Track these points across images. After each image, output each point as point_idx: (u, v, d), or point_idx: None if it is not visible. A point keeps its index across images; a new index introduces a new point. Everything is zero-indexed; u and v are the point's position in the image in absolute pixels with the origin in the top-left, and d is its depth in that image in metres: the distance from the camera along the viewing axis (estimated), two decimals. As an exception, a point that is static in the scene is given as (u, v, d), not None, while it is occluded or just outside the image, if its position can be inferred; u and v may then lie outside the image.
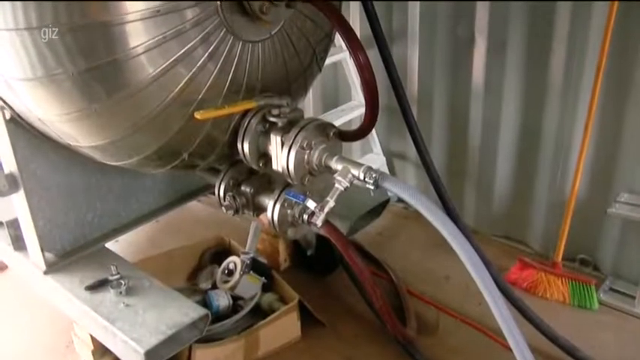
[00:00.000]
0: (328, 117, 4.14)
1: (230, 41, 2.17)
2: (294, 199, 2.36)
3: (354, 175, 2.15)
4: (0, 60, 2.17)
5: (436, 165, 3.25)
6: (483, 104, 3.85)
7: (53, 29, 1.96)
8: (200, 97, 2.18)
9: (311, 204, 2.29)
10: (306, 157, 2.24)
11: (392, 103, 3.20)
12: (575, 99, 3.43)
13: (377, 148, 4.50)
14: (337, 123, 3.98)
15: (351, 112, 4.24)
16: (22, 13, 1.98)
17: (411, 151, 4.20)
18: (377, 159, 4.46)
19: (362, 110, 4.26)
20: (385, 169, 4.52)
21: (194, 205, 4.34)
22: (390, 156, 4.56)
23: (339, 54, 4.10)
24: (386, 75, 3.08)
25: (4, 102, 2.50)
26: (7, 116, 2.56)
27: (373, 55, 2.63)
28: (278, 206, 2.43)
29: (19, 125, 2.58)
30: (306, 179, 2.29)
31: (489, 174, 4.01)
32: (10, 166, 2.72)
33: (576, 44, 3.33)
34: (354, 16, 4.13)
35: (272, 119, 2.31)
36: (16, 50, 2.07)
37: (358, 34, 3.77)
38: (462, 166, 4.14)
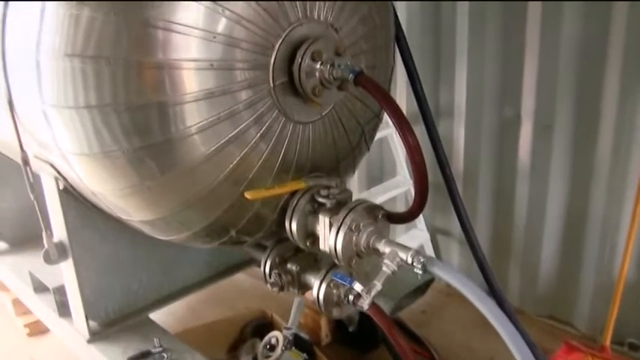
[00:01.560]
0: (373, 192, 4.15)
1: (282, 122, 2.21)
2: (341, 282, 2.35)
3: (401, 259, 2.14)
4: (58, 134, 2.23)
5: (480, 242, 3.22)
6: (529, 184, 3.83)
7: (111, 108, 2.02)
8: (251, 176, 2.21)
9: (358, 287, 2.27)
10: (354, 239, 2.24)
11: (437, 180, 3.20)
12: (622, 180, 3.40)
13: (421, 224, 4.48)
14: (382, 199, 3.99)
15: (396, 189, 4.25)
16: (83, 92, 2.04)
17: (456, 228, 4.18)
18: (421, 235, 4.44)
19: (407, 186, 4.27)
20: (429, 246, 4.49)
21: (237, 275, 4.33)
22: (434, 232, 4.54)
23: (385, 130, 4.13)
24: (432, 152, 3.08)
25: (59, 173, 2.56)
26: (61, 186, 2.62)
27: (419, 131, 2.64)
28: (324, 286, 2.42)
29: (71, 196, 2.64)
30: (353, 261, 2.28)
31: (535, 253, 3.96)
32: (61, 234, 2.77)
33: (624, 127, 3.31)
34: (401, 92, 4.18)
35: (321, 200, 2.32)
36: (75, 126, 2.13)
37: (404, 111, 3.83)
38: (507, 245, 4.10)
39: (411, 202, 4.17)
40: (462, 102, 4.01)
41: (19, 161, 2.66)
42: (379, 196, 4.06)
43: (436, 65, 4.11)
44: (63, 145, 2.27)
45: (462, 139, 4.07)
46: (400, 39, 2.85)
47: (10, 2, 2.38)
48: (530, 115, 3.70)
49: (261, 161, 2.21)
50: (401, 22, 2.87)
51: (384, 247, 2.22)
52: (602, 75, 3.35)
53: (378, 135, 4.03)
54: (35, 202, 2.74)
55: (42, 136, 2.39)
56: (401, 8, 3.97)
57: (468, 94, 3.97)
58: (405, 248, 2.16)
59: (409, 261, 2.12)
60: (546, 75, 3.56)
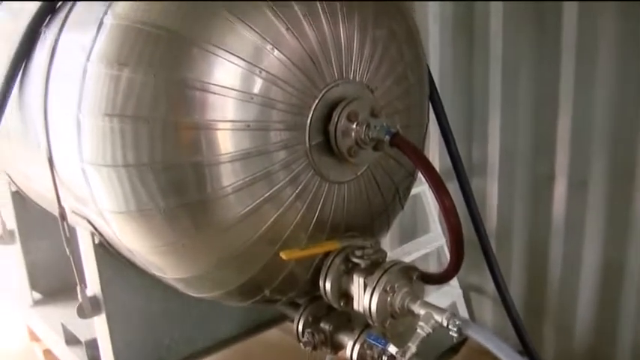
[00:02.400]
0: (406, 249, 4.13)
1: (317, 182, 2.22)
2: (375, 343, 2.32)
3: (436, 321, 2.12)
4: (96, 191, 2.26)
5: (514, 300, 3.18)
6: (564, 241, 3.79)
7: (148, 168, 2.05)
8: (286, 235, 2.21)
9: (392, 349, 2.24)
10: (388, 300, 2.22)
11: (470, 236, 3.16)
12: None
13: (454, 280, 4.43)
14: (415, 256, 3.96)
15: (428, 245, 4.22)
16: (121, 151, 2.07)
17: (489, 285, 4.12)
18: (453, 292, 4.39)
19: (440, 243, 4.24)
20: (462, 303, 4.43)
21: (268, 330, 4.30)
22: (467, 289, 4.48)
23: (418, 186, 4.12)
24: (465, 208, 3.07)
25: (95, 228, 2.59)
26: (97, 241, 2.64)
27: (452, 187, 2.63)
28: (357, 347, 2.39)
29: (106, 251, 2.66)
30: (388, 322, 2.26)
31: (570, 311, 3.90)
32: (95, 288, 2.79)
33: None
34: (434, 148, 4.18)
35: (355, 260, 2.31)
36: (112, 184, 2.16)
37: (437, 166, 3.84)
38: (542, 302, 4.04)
39: (443, 259, 4.17)
40: (495, 158, 3.99)
41: (57, 214, 2.70)
42: (412, 253, 4.03)
43: (469, 121, 4.11)
44: (100, 202, 2.29)
45: (496, 195, 4.05)
46: (434, 97, 2.87)
47: (55, 61, 2.45)
48: (564, 171, 3.68)
49: (296, 221, 2.21)
50: (434, 80, 2.88)
51: (418, 309, 2.20)
52: (636, 130, 3.32)
53: (412, 192, 4.05)
54: (71, 256, 2.76)
55: (79, 192, 2.42)
56: (434, 66, 4.00)
57: (501, 150, 3.96)
58: (440, 310, 2.14)
59: (444, 323, 2.10)
60: (580, 131, 3.55)
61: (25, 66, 2.65)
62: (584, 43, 3.41)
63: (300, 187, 2.17)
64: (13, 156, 3.19)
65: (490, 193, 4.08)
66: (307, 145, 2.15)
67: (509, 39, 3.73)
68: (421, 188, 4.16)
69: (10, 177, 3.65)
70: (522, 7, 3.63)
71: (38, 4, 2.61)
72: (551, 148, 3.71)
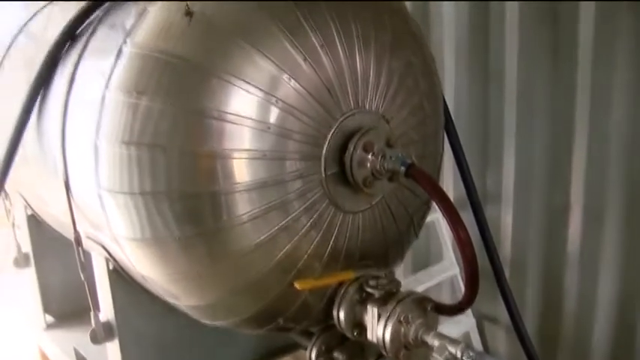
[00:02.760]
0: (419, 277, 4.11)
1: (332, 212, 2.22)
2: (389, 374, 2.31)
3: (451, 353, 2.10)
4: (112, 218, 2.27)
5: (528, 329, 3.16)
6: (579, 271, 3.77)
7: (164, 196, 2.06)
8: (300, 264, 2.21)
9: (406, 380, 2.23)
10: (402, 330, 2.21)
11: (484, 265, 3.15)
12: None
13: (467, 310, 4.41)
14: (428, 284, 3.95)
15: (442, 274, 4.20)
16: (138, 179, 2.08)
17: (503, 314, 4.08)
18: (467, 321, 4.36)
19: (454, 271, 4.22)
20: (475, 332, 4.40)
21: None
22: (480, 319, 4.46)
23: (432, 215, 4.11)
24: (479, 237, 3.06)
25: (110, 254, 2.60)
26: (111, 267, 2.65)
27: (466, 216, 2.63)
28: (370, 377, 2.39)
29: (120, 277, 2.67)
30: (401, 353, 2.25)
31: (585, 341, 3.87)
32: (108, 314, 2.79)
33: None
34: (448, 176, 4.17)
35: (369, 290, 2.30)
36: (128, 211, 2.17)
37: (451, 195, 3.83)
38: (556, 332, 4.01)
39: (457, 288, 4.15)
40: (509, 187, 3.99)
41: (72, 239, 2.71)
42: (425, 281, 4.01)
43: (484, 150, 4.11)
44: (115, 229, 2.30)
45: (510, 224, 4.04)
46: (449, 127, 2.87)
47: (74, 88, 2.48)
48: (579, 201, 3.67)
49: (310, 250, 2.21)
50: (449, 108, 2.88)
51: (432, 340, 2.18)
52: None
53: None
54: (85, 281, 2.77)
55: (95, 218, 2.43)
56: (449, 95, 4.00)
57: (516, 179, 3.95)
58: (454, 342, 2.12)
59: (458, 355, 2.08)
60: (595, 161, 3.54)
61: (44, 92, 2.67)
62: (600, 74, 3.42)
63: (315, 217, 2.17)
64: (29, 180, 3.21)
65: (504, 222, 4.07)
66: (323, 174, 2.15)
67: (524, 69, 3.74)
68: (435, 216, 4.15)
69: (26, 200, 3.67)
70: (538, 38, 3.63)
71: (58, 31, 2.63)
72: (567, 178, 3.70)
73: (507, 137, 3.93)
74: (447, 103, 2.83)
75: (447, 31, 3.99)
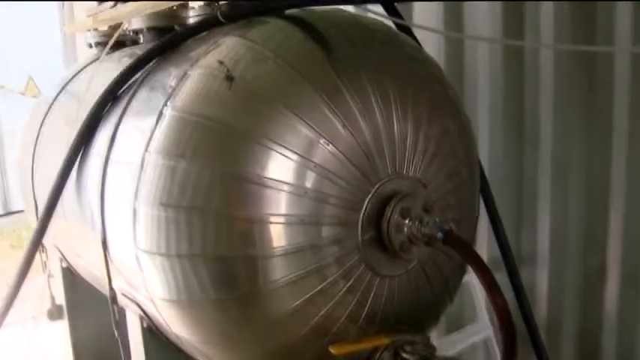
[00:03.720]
0: (453, 338, 4.04)
1: (369, 276, 2.21)
2: None
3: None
4: (148, 278, 2.29)
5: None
6: (617, 335, 3.68)
7: (201, 259, 2.07)
8: (336, 328, 2.19)
9: None
10: (438, 396, 2.18)
11: (519, 328, 3.10)
12: None
13: (502, 372, 4.32)
14: (462, 346, 3.88)
15: (476, 335, 4.13)
16: (175, 241, 2.10)
17: (539, 377, 4.02)
18: (502, 384, 4.27)
19: (488, 333, 4.15)
20: (510, 395, 4.30)
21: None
22: (515, 381, 4.36)
23: (466, 275, 4.06)
24: (514, 299, 3.02)
25: (144, 312, 2.60)
26: (145, 325, 2.65)
27: (501, 277, 2.60)
28: None
29: (154, 336, 2.67)
30: (436, 419, 2.22)
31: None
32: (141, 373, 2.78)
33: None
34: (482, 235, 4.13)
35: (405, 355, 2.27)
36: (165, 273, 2.18)
37: (485, 255, 3.80)
38: (594, 397, 3.91)
39: (491, 349, 4.07)
40: (544, 247, 3.93)
41: (106, 294, 2.73)
42: (459, 343, 3.94)
43: (518, 211, 4.07)
44: (151, 289, 2.31)
45: (546, 286, 3.97)
46: (485, 190, 2.86)
47: (114, 148, 2.52)
48: (616, 261, 3.60)
49: (346, 314, 2.19)
50: (483, 168, 2.88)
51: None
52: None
53: (460, 281, 4.00)
54: (119, 339, 2.77)
55: (131, 277, 2.45)
56: (483, 156, 3.99)
57: (551, 239, 3.90)
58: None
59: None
60: (633, 221, 3.49)
61: (85, 150, 2.72)
62: (637, 134, 3.39)
63: (351, 282, 2.16)
64: (66, 233, 3.25)
65: (540, 283, 4.01)
66: (359, 239, 2.15)
67: (559, 130, 3.72)
68: (468, 277, 4.10)
69: (61, 253, 3.71)
70: (573, 99, 3.63)
71: (101, 90, 2.69)
72: (603, 238, 3.64)
73: (542, 197, 3.89)
74: (482, 163, 2.83)
75: (481, 92, 3.99)
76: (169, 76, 2.40)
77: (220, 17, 2.47)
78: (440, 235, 2.15)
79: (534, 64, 3.71)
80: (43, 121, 3.51)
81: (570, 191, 3.78)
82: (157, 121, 2.24)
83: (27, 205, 3.93)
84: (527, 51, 3.75)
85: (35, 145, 3.54)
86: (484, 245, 4.08)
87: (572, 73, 3.57)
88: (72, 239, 3.27)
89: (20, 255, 2.76)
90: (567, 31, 3.46)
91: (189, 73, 2.27)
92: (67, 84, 3.51)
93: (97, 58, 3.52)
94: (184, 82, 2.26)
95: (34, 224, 3.31)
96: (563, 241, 3.85)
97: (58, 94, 3.52)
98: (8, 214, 9.55)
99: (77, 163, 2.74)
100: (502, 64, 3.83)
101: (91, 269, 3.11)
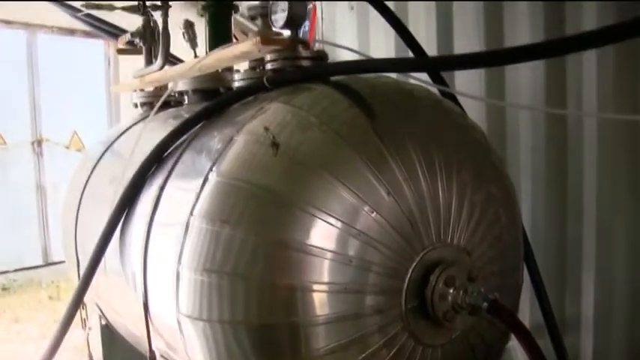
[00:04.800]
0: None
1: (412, 345, 2.18)
2: None
3: None
4: (189, 343, 2.28)
5: None
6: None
7: (243, 326, 2.06)
8: (379, 399, 2.16)
9: None
10: None
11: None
12: None
13: None
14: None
15: (516, 403, 4.04)
16: (217, 307, 2.10)
17: None
18: None
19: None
20: None
21: None
22: None
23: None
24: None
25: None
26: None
27: (543, 344, 2.54)
28: None
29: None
30: None
31: None
32: None
33: None
34: (524, 300, 4.06)
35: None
36: (206, 338, 2.17)
37: (527, 321, 3.73)
38: None
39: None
40: (589, 314, 3.84)
41: (144, 353, 2.72)
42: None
43: (561, 276, 4.00)
44: (192, 353, 2.30)
45: (590, 354, 3.87)
46: (529, 257, 2.82)
47: (158, 211, 2.54)
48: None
49: (389, 384, 2.16)
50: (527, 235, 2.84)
51: None
52: None
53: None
54: (157, 400, 2.76)
55: (172, 340, 2.45)
56: (526, 221, 3.95)
57: (596, 305, 3.81)
58: None
59: None
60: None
61: (129, 210, 2.74)
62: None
63: (394, 351, 2.13)
64: (107, 291, 3.26)
65: (584, 350, 3.90)
66: (403, 308, 2.12)
67: (603, 195, 3.67)
68: (511, 344, 4.02)
69: (101, 310, 3.72)
70: (617, 165, 3.59)
71: (147, 151, 2.72)
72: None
73: (586, 262, 3.82)
74: (524, 228, 2.79)
75: (524, 157, 3.97)
76: (215, 140, 2.43)
77: (267, 83, 2.51)
78: (484, 304, 2.12)
79: (578, 130, 3.69)
80: (88, 179, 3.57)
81: (615, 256, 3.71)
82: (202, 186, 2.26)
83: (68, 260, 3.97)
84: (570, 116, 3.73)
85: (80, 201, 3.59)
86: (527, 311, 4.01)
87: (616, 137, 3.54)
88: (112, 297, 3.29)
89: (58, 307, 2.78)
90: (610, 99, 3.44)
91: (235, 138, 2.30)
92: (112, 143, 3.57)
93: (143, 118, 3.60)
94: (230, 148, 2.28)
95: (74, 279, 3.35)
96: (608, 307, 3.76)
97: (104, 153, 3.58)
98: (48, 264, 9.62)
99: (121, 222, 2.76)
100: (544, 129, 3.82)
101: (131, 328, 3.11)
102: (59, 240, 4.19)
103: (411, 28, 3.40)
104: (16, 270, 9.23)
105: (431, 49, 4.26)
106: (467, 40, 4.15)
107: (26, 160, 9.55)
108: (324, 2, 5.43)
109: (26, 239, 9.50)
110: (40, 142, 9.61)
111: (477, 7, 4.01)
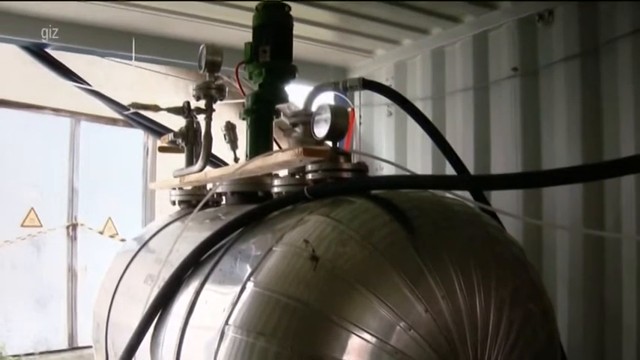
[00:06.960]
0: None
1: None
2: None
3: None
4: None
5: None
6: None
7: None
8: None
9: None
10: None
11: None
12: None
13: None
14: None
15: None
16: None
17: None
18: None
19: None
20: None
21: None
22: None
23: None
24: None
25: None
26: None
27: None
28: None
29: None
30: None
31: None
32: None
33: None
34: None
35: None
36: None
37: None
38: None
39: None
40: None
41: None
42: None
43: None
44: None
45: None
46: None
47: (193, 314, 2.53)
48: None
49: None
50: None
51: None
52: None
53: None
54: None
55: None
56: (563, 338, 3.88)
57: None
58: None
59: None
60: None
61: (164, 311, 2.74)
62: None
63: None
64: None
65: None
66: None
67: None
68: None
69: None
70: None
71: (184, 252, 2.74)
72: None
73: (626, 340, 3.72)
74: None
75: (560, 267, 3.93)
76: (254, 248, 2.45)
77: (307, 194, 2.53)
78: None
79: (616, 250, 3.67)
80: (123, 273, 3.58)
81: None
82: (239, 295, 2.26)
83: (97, 352, 3.95)
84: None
85: (113, 295, 3.60)
86: None
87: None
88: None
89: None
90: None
91: (274, 248, 2.32)
92: (149, 239, 3.60)
93: (180, 217, 3.64)
94: (269, 258, 2.30)
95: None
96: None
97: (140, 249, 3.60)
98: (73, 349, 9.58)
99: (154, 322, 2.76)
100: (582, 246, 3.80)
101: None
102: (87, 324, 4.17)
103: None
104: (41, 353, 9.21)
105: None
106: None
107: (60, 243, 9.66)
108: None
109: (54, 322, 9.50)
110: (74, 227, 9.75)
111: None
